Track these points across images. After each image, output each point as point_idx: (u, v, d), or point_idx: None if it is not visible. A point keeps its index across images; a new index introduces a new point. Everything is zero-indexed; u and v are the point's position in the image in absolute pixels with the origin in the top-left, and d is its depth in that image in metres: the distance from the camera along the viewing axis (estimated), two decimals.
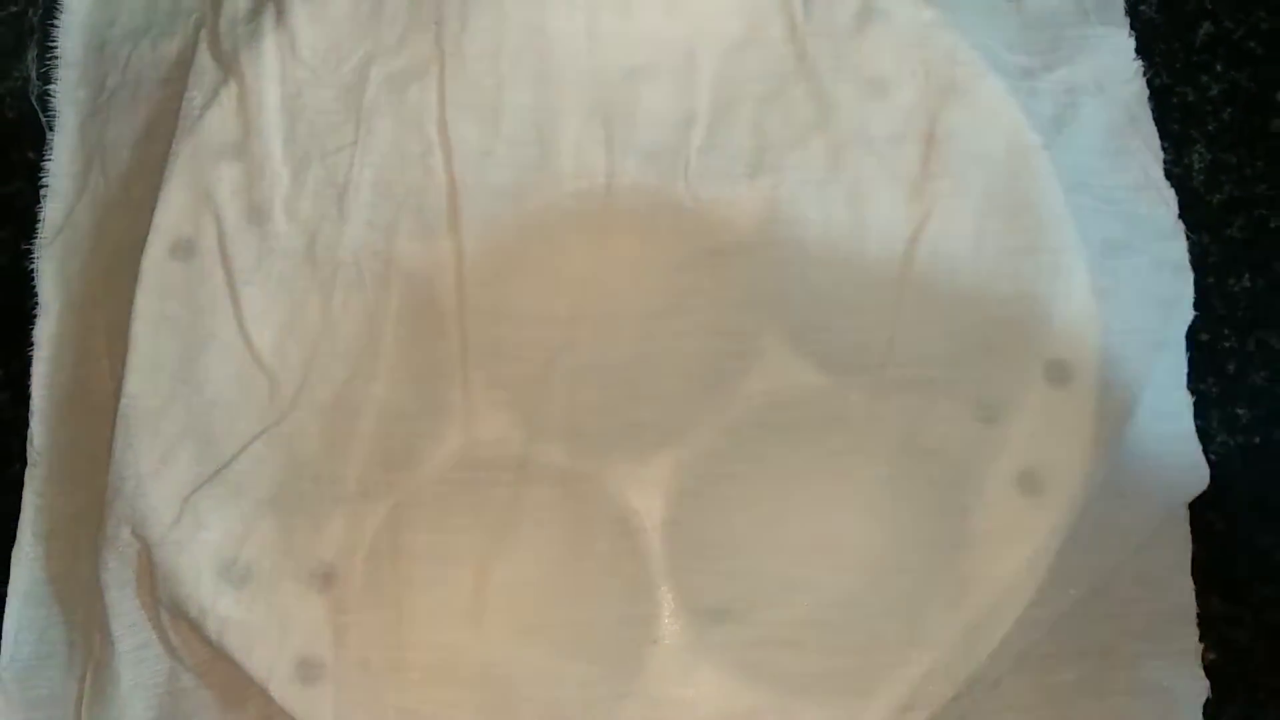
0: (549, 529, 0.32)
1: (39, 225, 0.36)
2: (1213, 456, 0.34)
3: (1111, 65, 0.37)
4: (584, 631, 0.32)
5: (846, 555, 0.32)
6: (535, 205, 0.35)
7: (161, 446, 0.33)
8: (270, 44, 0.35)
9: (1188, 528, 0.34)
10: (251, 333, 0.33)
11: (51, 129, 0.36)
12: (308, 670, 0.32)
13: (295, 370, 0.33)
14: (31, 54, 0.37)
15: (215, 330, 0.33)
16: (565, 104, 0.35)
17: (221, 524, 0.32)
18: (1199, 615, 0.34)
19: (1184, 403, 0.34)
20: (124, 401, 0.33)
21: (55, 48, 0.37)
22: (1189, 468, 0.34)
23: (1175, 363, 0.34)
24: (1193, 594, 0.33)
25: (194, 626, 0.32)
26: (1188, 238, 0.36)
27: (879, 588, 0.32)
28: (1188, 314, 0.35)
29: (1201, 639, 0.34)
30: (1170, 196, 0.36)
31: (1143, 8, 0.38)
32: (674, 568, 0.32)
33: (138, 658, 0.33)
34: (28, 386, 0.35)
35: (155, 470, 0.32)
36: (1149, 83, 0.37)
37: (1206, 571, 0.34)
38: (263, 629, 0.32)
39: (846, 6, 0.36)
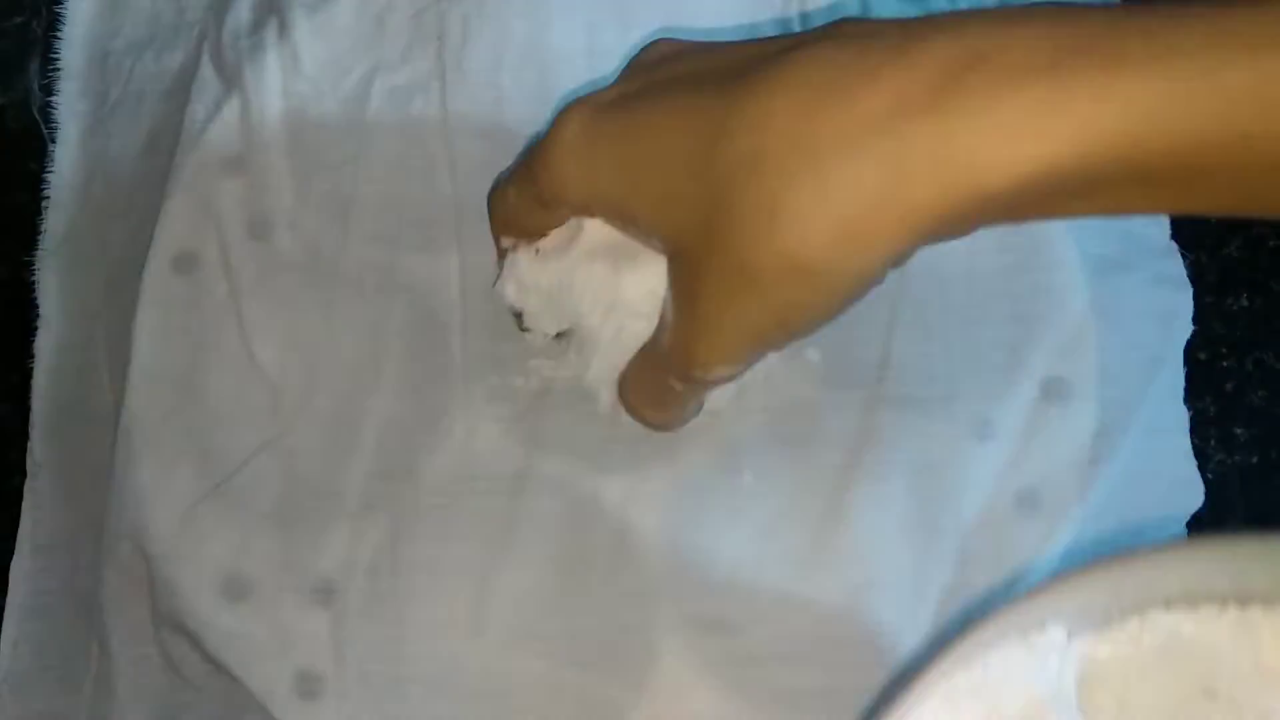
0: (548, 541, 0.33)
1: (41, 237, 0.36)
2: (1210, 476, 0.35)
3: None
4: (583, 642, 0.32)
5: (842, 571, 0.33)
6: None
7: (163, 460, 0.33)
8: (273, 58, 0.36)
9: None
10: (254, 346, 0.34)
11: (54, 141, 0.37)
12: (307, 685, 0.32)
13: (297, 383, 0.34)
14: (34, 66, 0.38)
15: (218, 343, 0.34)
16: None
17: (223, 538, 0.33)
18: None
19: (1180, 418, 0.35)
20: (125, 414, 0.33)
21: (58, 59, 0.38)
22: (1184, 483, 0.35)
23: (1173, 378, 0.35)
24: None
25: (193, 641, 0.33)
26: (1185, 255, 0.37)
27: (874, 603, 0.32)
28: (1186, 329, 0.36)
29: None
30: (1163, 216, 0.37)
31: None
32: (672, 580, 0.33)
33: (136, 671, 0.33)
34: (28, 399, 0.35)
35: (157, 484, 0.33)
36: None
37: None
38: (263, 644, 0.32)
39: (847, 14, 0.37)
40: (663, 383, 0.29)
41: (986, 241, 0.35)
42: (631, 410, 0.31)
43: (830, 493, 0.33)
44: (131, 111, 0.38)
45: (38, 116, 0.37)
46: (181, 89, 0.37)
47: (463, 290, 0.35)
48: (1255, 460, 0.36)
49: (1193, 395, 0.36)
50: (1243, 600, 0.25)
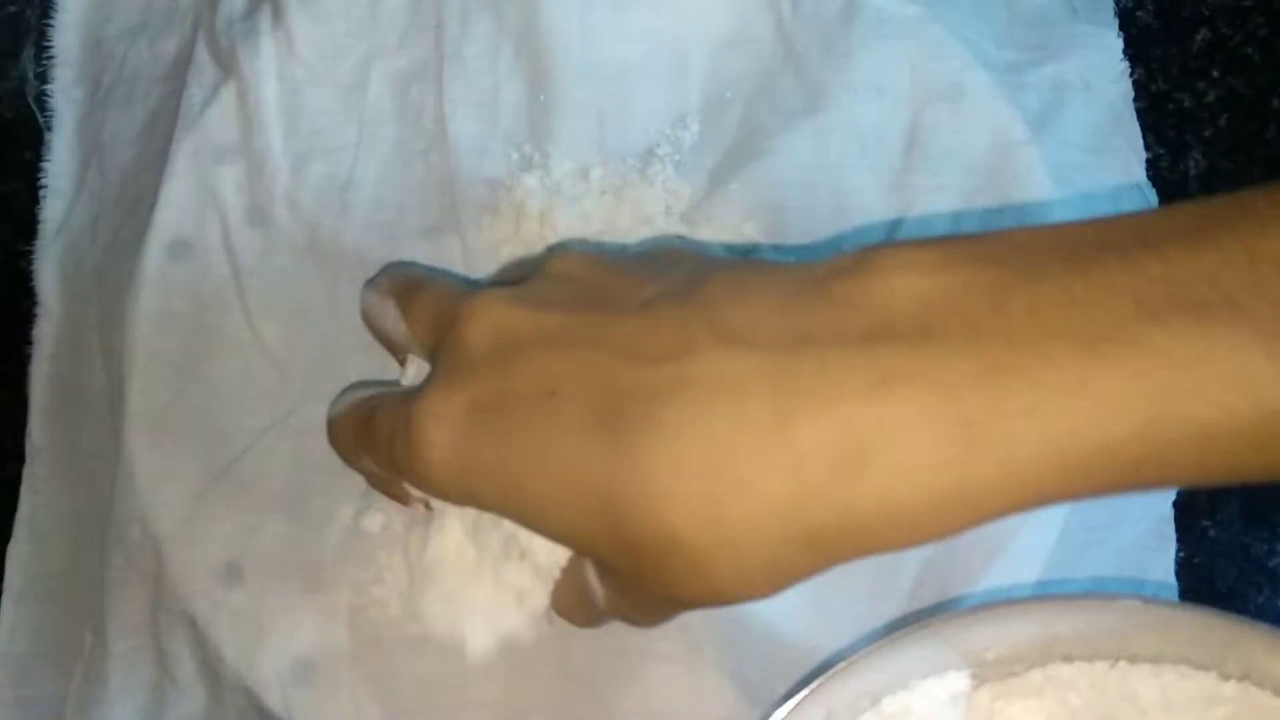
0: None
1: (39, 226, 0.38)
2: None
3: (1099, 64, 0.39)
4: None
5: None
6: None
7: (171, 442, 0.35)
8: (268, 42, 0.38)
9: (1172, 528, 0.36)
10: (259, 326, 0.36)
11: (49, 129, 0.39)
12: (305, 673, 0.34)
13: (305, 363, 0.36)
14: (28, 53, 0.39)
15: (221, 325, 0.36)
16: (559, 101, 0.38)
17: (231, 520, 0.34)
18: None
19: None
20: (131, 398, 0.35)
21: (52, 47, 0.39)
22: None
23: None
24: (1177, 597, 0.36)
25: (192, 631, 0.34)
26: None
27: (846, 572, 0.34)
28: None
29: None
30: (1152, 197, 0.38)
31: (1140, 13, 0.40)
32: None
33: (128, 662, 0.34)
34: (23, 386, 0.37)
35: (165, 467, 0.35)
36: (1145, 88, 0.40)
37: (1199, 579, 0.36)
38: (269, 626, 0.34)
39: (833, 1, 0.39)
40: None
41: (968, 222, 0.36)
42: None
43: None
44: (126, 97, 0.39)
45: (33, 105, 0.39)
46: (177, 74, 0.39)
47: (465, 272, 0.36)
48: None
49: None
50: (1131, 658, 0.29)
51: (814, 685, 0.28)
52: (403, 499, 0.32)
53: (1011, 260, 0.23)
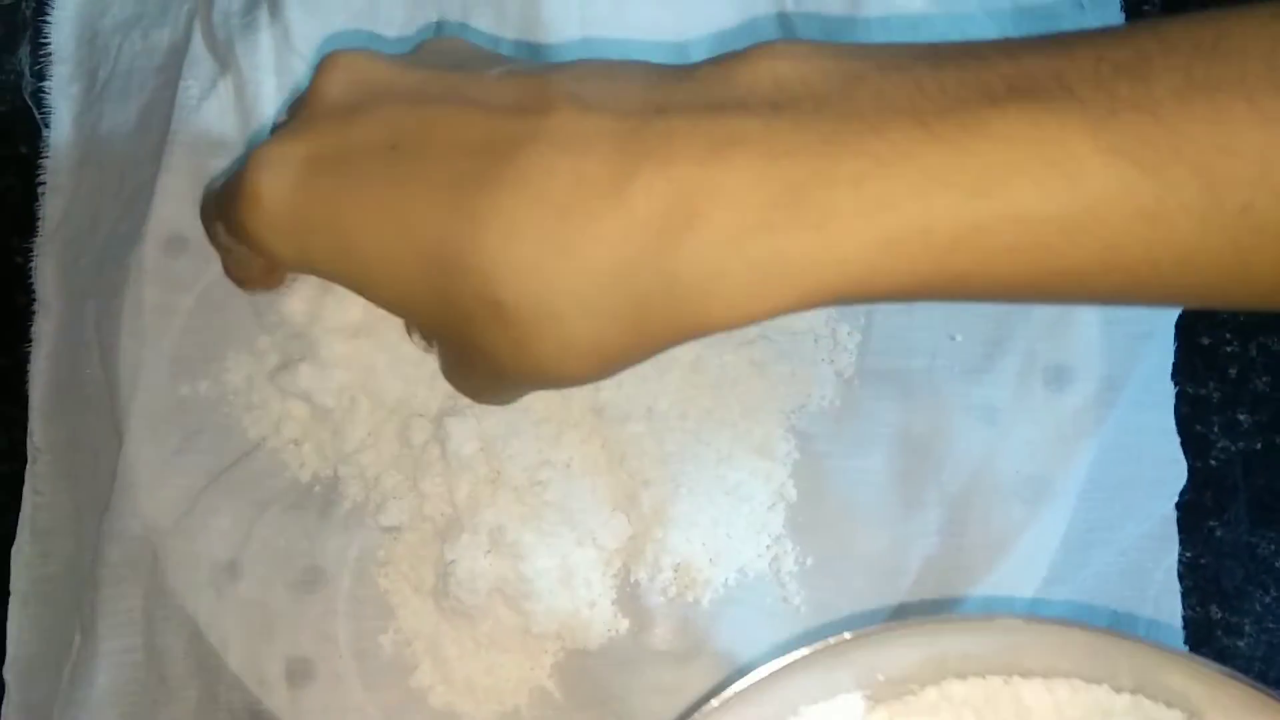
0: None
1: (39, 223, 0.38)
2: (1214, 462, 0.37)
3: None
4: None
5: (813, 539, 0.35)
6: None
7: (176, 437, 0.35)
8: (266, 35, 0.38)
9: (1175, 529, 0.36)
10: (261, 322, 0.35)
11: (46, 125, 0.39)
12: (300, 668, 0.34)
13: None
14: (24, 49, 0.39)
15: (223, 322, 0.36)
16: None
17: (232, 516, 0.35)
18: (1198, 623, 0.36)
19: (1166, 396, 0.37)
20: (130, 395, 0.35)
21: (48, 43, 0.39)
22: (1168, 462, 0.36)
23: (1162, 354, 0.37)
24: (1179, 597, 0.36)
25: (186, 627, 0.34)
26: None
27: (846, 571, 0.35)
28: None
29: (1200, 647, 0.36)
30: None
31: (1146, 7, 0.41)
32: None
33: (117, 661, 0.34)
34: (17, 384, 0.37)
35: (169, 461, 0.35)
36: None
37: (1206, 579, 0.37)
38: (268, 623, 0.34)
39: None
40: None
41: None
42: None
43: (806, 464, 0.35)
44: (122, 89, 0.39)
45: (29, 101, 0.39)
46: (171, 64, 0.39)
47: None
48: (1259, 446, 0.38)
49: (1196, 380, 0.37)
50: (1024, 673, 0.30)
51: (700, 713, 0.28)
52: (246, 280, 0.31)
53: (875, 57, 0.24)
